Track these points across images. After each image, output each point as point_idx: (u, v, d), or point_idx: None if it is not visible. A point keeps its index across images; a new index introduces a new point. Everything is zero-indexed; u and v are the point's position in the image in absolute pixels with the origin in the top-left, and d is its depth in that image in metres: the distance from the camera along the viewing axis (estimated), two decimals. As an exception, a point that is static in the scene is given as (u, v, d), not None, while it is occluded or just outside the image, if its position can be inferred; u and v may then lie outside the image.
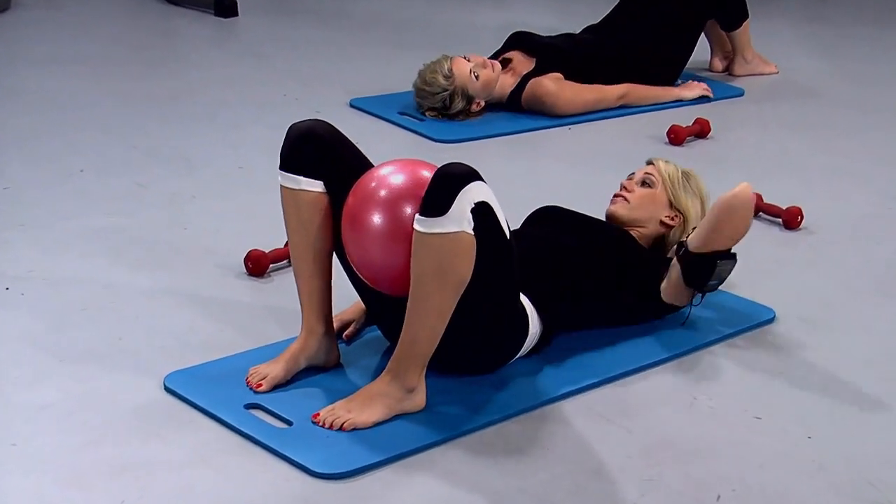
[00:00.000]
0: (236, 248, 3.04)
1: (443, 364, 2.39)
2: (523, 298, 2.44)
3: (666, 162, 2.86)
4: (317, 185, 2.40)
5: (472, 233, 2.19)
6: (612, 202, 2.82)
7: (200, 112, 4.16)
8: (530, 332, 2.45)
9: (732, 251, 2.64)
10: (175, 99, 4.28)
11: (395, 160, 2.37)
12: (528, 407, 2.41)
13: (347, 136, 2.49)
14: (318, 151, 2.40)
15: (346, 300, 2.66)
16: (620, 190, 2.83)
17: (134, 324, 2.70)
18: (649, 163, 2.88)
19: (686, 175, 2.85)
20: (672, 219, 2.81)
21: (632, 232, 2.77)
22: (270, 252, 2.97)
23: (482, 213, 2.20)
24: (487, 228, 2.22)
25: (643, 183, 2.82)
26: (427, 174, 2.29)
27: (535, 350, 2.50)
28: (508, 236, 2.29)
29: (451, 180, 2.18)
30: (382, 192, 2.27)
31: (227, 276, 2.95)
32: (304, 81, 4.54)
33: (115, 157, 3.71)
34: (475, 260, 2.22)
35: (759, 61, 4.82)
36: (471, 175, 2.20)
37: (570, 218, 2.79)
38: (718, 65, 4.85)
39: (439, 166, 2.23)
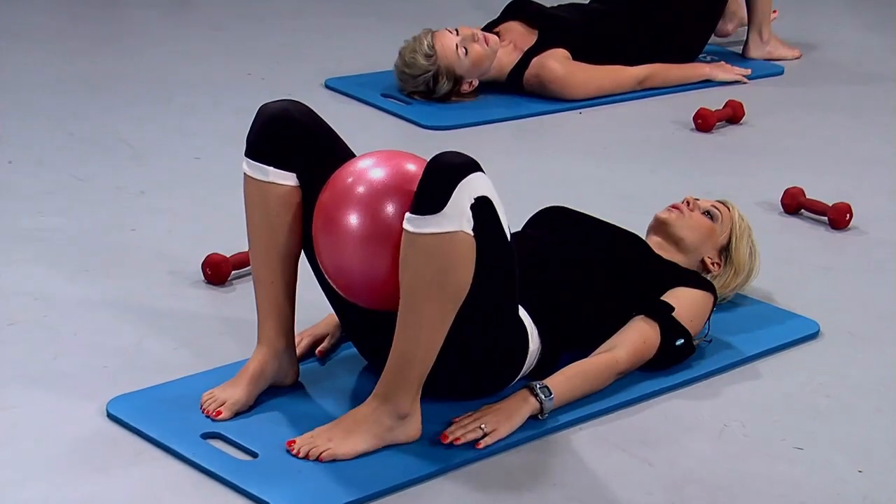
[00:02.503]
0: (192, 253, 3.04)
1: (431, 386, 2.40)
2: (521, 312, 2.45)
3: (742, 214, 2.90)
4: (289, 178, 2.41)
5: (471, 233, 2.19)
6: (667, 210, 2.85)
7: (150, 94, 4.16)
8: (530, 349, 2.46)
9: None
10: (120, 79, 4.28)
11: (376, 152, 2.37)
12: (531, 436, 2.42)
13: (323, 122, 2.49)
14: (292, 138, 2.40)
15: (316, 311, 2.66)
16: (681, 202, 2.86)
17: (72, 341, 2.70)
18: (722, 201, 2.91)
19: (753, 241, 2.88)
20: (714, 264, 2.82)
21: (663, 253, 2.78)
22: (232, 256, 2.97)
23: (483, 210, 2.20)
24: (487, 228, 2.23)
25: (706, 212, 2.85)
26: (413, 168, 2.29)
27: (536, 374, 2.50)
28: (509, 238, 2.30)
29: (448, 171, 2.18)
30: (361, 189, 2.28)
31: (181, 285, 2.95)
32: (271, 58, 4.55)
33: (50, 146, 3.71)
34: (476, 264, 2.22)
35: (777, 43, 4.75)
36: (470, 165, 2.21)
37: (578, 221, 2.79)
38: (728, 28, 4.81)
39: (433, 155, 2.23)
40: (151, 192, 3.46)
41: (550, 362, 2.51)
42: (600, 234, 2.74)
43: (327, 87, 4.29)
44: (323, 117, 2.50)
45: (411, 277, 2.21)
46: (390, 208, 2.25)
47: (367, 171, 2.30)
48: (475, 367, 2.42)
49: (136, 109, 4.02)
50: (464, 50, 4.05)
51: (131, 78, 4.28)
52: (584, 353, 2.57)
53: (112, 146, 3.73)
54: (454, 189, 2.17)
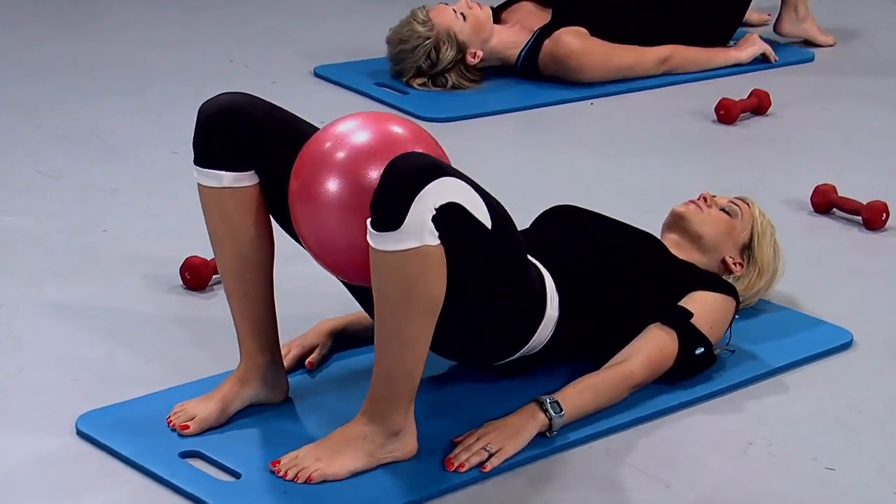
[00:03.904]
0: (170, 255, 3.04)
1: (437, 348, 2.41)
2: (545, 272, 2.47)
3: (762, 211, 2.91)
4: (246, 179, 2.40)
5: (437, 242, 2.19)
6: (684, 204, 2.86)
7: (124, 83, 4.16)
8: (546, 315, 2.46)
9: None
10: (92, 66, 4.28)
11: (357, 114, 2.35)
12: (538, 454, 2.42)
13: (310, 112, 2.49)
14: (242, 134, 2.37)
15: (301, 321, 2.66)
16: (698, 198, 2.88)
17: (38, 352, 2.70)
18: (741, 198, 2.93)
19: (776, 240, 2.90)
20: (736, 264, 2.83)
21: (681, 253, 2.79)
22: (213, 260, 2.97)
23: (449, 216, 2.18)
24: (460, 232, 2.22)
25: (725, 209, 2.87)
26: (399, 131, 2.29)
27: (547, 353, 2.51)
28: (491, 226, 2.26)
29: (404, 183, 2.16)
30: (341, 154, 2.26)
31: (157, 290, 2.95)
32: (255, 44, 4.55)
33: (14, 139, 3.71)
34: (456, 265, 2.22)
35: (812, 24, 4.76)
36: (429, 172, 2.18)
37: (589, 219, 2.79)
38: (755, 15, 4.83)
39: (391, 160, 2.19)
40: (125, 189, 3.46)
41: (564, 342, 2.51)
42: (613, 234, 2.74)
43: (316, 75, 4.29)
44: (311, 107, 2.51)
45: (380, 295, 2.22)
46: (373, 174, 2.24)
47: (347, 135, 2.28)
48: (484, 334, 2.43)
49: (108, 99, 4.02)
50: (461, 15, 4.08)
51: (103, 65, 4.29)
52: (598, 358, 2.58)
53: (82, 139, 3.73)
54: (411, 203, 2.15)
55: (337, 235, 2.27)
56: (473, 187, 2.24)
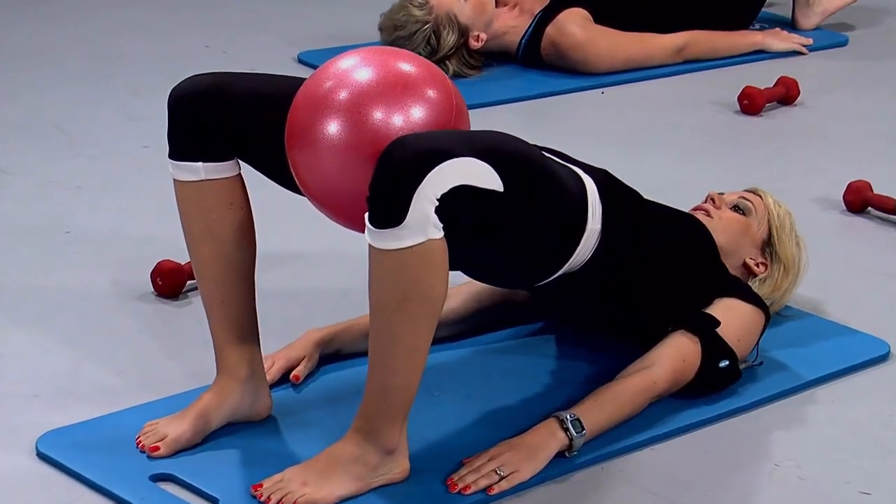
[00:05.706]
0: (140, 259, 3.04)
1: (470, 269, 2.45)
2: (585, 178, 2.49)
3: (777, 200, 2.91)
4: (226, 169, 2.40)
5: (440, 236, 2.19)
6: (691, 213, 2.85)
7: (89, 70, 4.16)
8: (588, 228, 2.46)
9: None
10: (54, 53, 4.28)
11: (355, 51, 2.34)
12: (544, 477, 2.42)
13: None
14: (217, 118, 2.37)
15: (286, 331, 2.66)
16: (706, 202, 2.87)
17: (-4, 364, 2.71)
18: (751, 190, 2.92)
19: (796, 230, 2.89)
20: (759, 265, 2.83)
21: None
22: (187, 264, 2.98)
23: (454, 202, 2.18)
24: (470, 210, 2.23)
25: (735, 207, 2.86)
26: (406, 67, 2.27)
27: (587, 273, 2.50)
28: (504, 187, 2.25)
29: (403, 175, 2.15)
30: (342, 94, 2.24)
31: (126, 298, 2.96)
32: (234, 29, 4.55)
33: (-30, 133, 3.72)
34: (475, 234, 2.25)
35: None
36: (426, 160, 2.17)
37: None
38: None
39: (387, 145, 2.18)
40: (90, 186, 3.46)
41: (605, 264, 2.52)
42: (660, 209, 2.75)
43: (300, 61, 4.30)
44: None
45: (378, 297, 2.23)
46: (377, 115, 2.23)
47: (348, 73, 2.27)
48: (522, 264, 2.45)
49: (71, 88, 4.02)
50: None
51: (66, 51, 4.29)
52: (625, 328, 2.63)
53: (43, 132, 3.74)
54: (412, 197, 2.15)
55: (340, 181, 2.26)
56: (477, 153, 2.21)
